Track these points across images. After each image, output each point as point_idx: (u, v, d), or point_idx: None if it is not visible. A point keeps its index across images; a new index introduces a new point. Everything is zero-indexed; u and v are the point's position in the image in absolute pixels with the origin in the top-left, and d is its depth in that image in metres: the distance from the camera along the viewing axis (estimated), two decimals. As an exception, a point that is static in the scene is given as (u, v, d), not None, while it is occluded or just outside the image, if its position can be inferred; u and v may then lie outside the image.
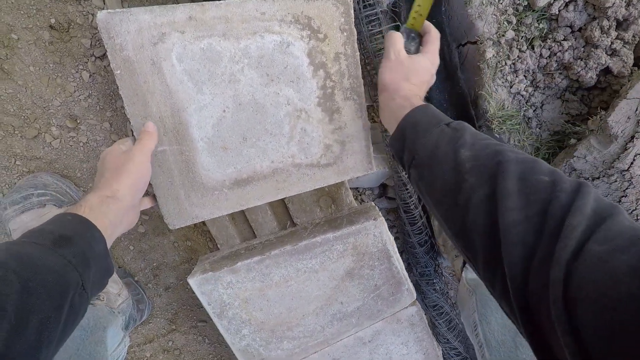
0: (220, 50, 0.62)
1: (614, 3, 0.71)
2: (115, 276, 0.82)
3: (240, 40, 0.62)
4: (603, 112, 0.75)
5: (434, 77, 0.67)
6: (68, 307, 0.43)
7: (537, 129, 0.87)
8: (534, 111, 0.85)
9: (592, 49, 0.75)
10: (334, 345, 0.85)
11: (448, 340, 1.12)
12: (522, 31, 0.77)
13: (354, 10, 0.67)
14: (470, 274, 0.82)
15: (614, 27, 0.74)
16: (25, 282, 0.40)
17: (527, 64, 0.79)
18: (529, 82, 0.82)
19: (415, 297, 0.86)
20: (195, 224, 0.90)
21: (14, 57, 0.69)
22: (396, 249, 0.79)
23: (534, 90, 0.83)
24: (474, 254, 0.43)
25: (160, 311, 0.98)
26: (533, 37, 0.78)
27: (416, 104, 0.58)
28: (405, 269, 0.83)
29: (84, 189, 0.79)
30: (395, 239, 1.04)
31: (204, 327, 1.03)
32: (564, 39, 0.77)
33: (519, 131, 0.85)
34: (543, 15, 0.76)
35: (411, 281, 0.84)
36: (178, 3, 0.61)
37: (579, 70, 0.77)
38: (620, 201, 0.81)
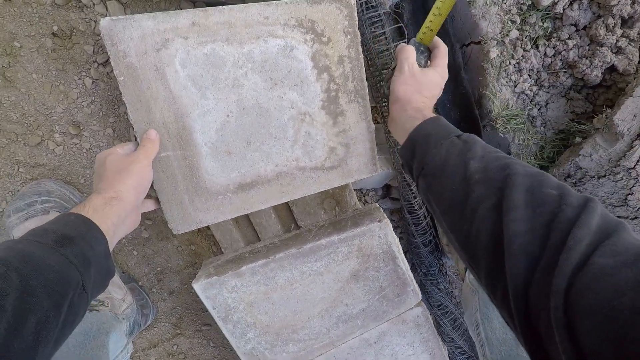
0: (223, 55, 0.62)
1: (619, 1, 0.70)
2: (119, 281, 0.82)
3: (243, 45, 0.62)
4: (609, 110, 0.75)
5: (442, 90, 0.68)
6: (67, 306, 0.43)
7: (542, 127, 0.86)
8: (538, 110, 0.85)
9: (597, 47, 0.75)
10: (339, 347, 0.85)
11: (453, 339, 1.12)
12: (526, 30, 0.77)
13: (357, 12, 0.67)
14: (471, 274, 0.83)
15: (619, 24, 0.74)
16: (26, 281, 0.40)
17: (531, 63, 0.79)
18: (533, 81, 0.82)
19: (421, 298, 0.85)
20: (199, 228, 0.90)
21: (16, 65, 0.68)
22: (401, 250, 0.79)
23: (539, 89, 0.83)
24: (477, 263, 0.43)
25: (165, 315, 0.98)
26: (537, 36, 0.78)
27: (428, 115, 0.59)
28: (410, 269, 0.83)
29: (88, 195, 0.79)
30: (400, 239, 1.04)
31: (208, 330, 1.03)
32: (569, 38, 0.77)
33: (524, 130, 0.85)
34: (547, 14, 0.76)
35: (416, 281, 0.84)
36: (181, 9, 0.61)
37: (584, 68, 0.76)
38: (626, 199, 0.81)
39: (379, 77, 0.78)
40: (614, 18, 0.73)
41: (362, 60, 0.67)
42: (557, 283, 0.32)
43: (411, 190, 0.90)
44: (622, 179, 0.78)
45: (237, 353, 0.80)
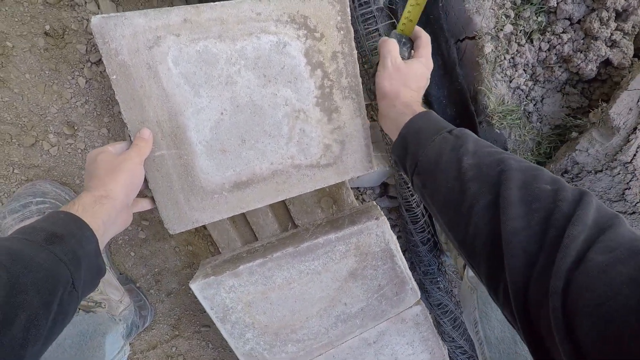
0: (216, 53, 0.61)
1: (613, -6, 0.70)
2: (116, 283, 0.82)
3: (236, 41, 0.62)
4: (604, 105, 0.75)
5: (429, 81, 0.67)
6: (57, 304, 0.43)
7: (538, 123, 0.86)
8: (534, 105, 0.84)
9: (592, 41, 0.75)
10: (338, 347, 0.84)
11: (453, 338, 1.12)
12: (521, 25, 0.77)
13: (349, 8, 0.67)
14: (471, 272, 0.82)
15: (614, 18, 0.74)
16: (15, 278, 0.40)
17: (526, 57, 0.79)
18: (528, 76, 0.81)
19: (420, 296, 0.85)
20: (196, 228, 0.90)
21: (9, 65, 0.68)
22: (399, 248, 0.78)
23: (534, 84, 0.82)
24: (477, 262, 0.43)
25: (163, 317, 0.98)
26: (532, 31, 0.77)
27: (417, 110, 0.58)
28: (409, 268, 0.82)
29: (83, 195, 0.79)
30: (398, 237, 1.03)
31: (207, 332, 1.02)
32: (563, 32, 0.76)
33: (520, 126, 0.84)
34: (541, 8, 0.76)
35: (415, 280, 0.83)
36: (173, 6, 0.61)
37: (578, 62, 0.76)
38: (624, 194, 0.80)
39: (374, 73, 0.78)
40: (608, 11, 0.73)
41: (356, 55, 0.67)
42: (555, 283, 0.32)
43: (408, 188, 0.89)
44: (619, 173, 0.78)
45: (235, 354, 0.79)
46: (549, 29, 0.77)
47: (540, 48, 0.78)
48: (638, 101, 0.71)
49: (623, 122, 0.72)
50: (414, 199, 0.90)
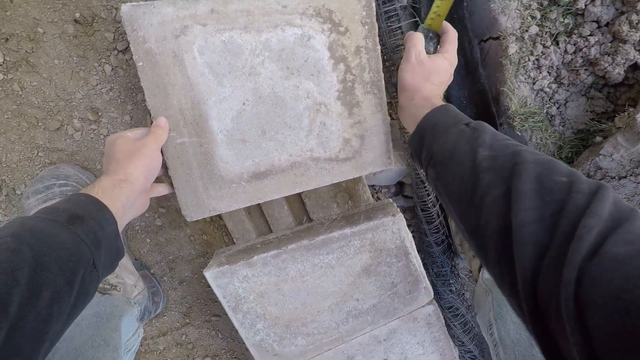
0: (241, 43, 0.62)
1: (644, -4, 0.69)
2: (131, 267, 0.83)
3: (261, 33, 0.62)
4: (631, 109, 0.73)
5: (452, 77, 0.67)
6: (79, 283, 0.44)
7: (561, 127, 0.85)
8: (557, 108, 0.83)
9: (620, 44, 0.73)
10: (348, 342, 0.84)
11: (463, 342, 1.10)
12: (547, 26, 0.76)
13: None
14: (487, 273, 0.81)
15: (644, 21, 0.72)
16: (39, 256, 0.40)
17: (551, 59, 0.78)
18: (552, 78, 0.80)
19: (433, 296, 0.84)
20: (211, 218, 0.91)
21: (39, 51, 0.70)
22: (414, 246, 0.78)
23: (558, 87, 0.81)
24: (486, 253, 0.43)
25: (175, 304, 0.99)
26: (558, 33, 0.76)
27: (437, 104, 0.58)
28: (422, 267, 0.82)
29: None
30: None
31: (217, 321, 1.03)
32: (590, 34, 0.75)
33: (542, 129, 0.83)
34: (568, 10, 0.75)
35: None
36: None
37: (606, 66, 0.75)
38: (647, 202, 0.79)
39: (395, 71, 0.78)
40: (638, 14, 0.71)
41: (379, 51, 0.67)
42: (568, 273, 0.31)
43: (425, 187, 0.89)
44: (643, 180, 0.76)
45: (246, 344, 0.80)
46: (575, 31, 0.76)
47: (565, 50, 0.77)
48: (666, 107, 0.69)
49: (650, 127, 0.71)
50: (429, 199, 0.90)
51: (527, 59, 0.78)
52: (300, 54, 0.64)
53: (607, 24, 0.75)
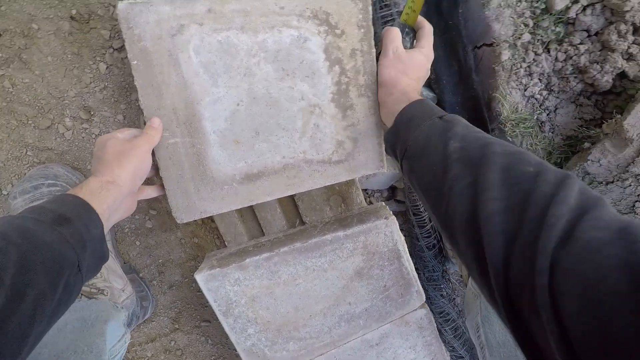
0: (237, 44, 0.62)
1: (632, 7, 0.71)
2: (120, 271, 0.82)
3: (257, 34, 0.62)
4: (618, 116, 0.75)
5: (429, 72, 0.67)
6: (63, 285, 0.43)
7: (550, 133, 0.86)
8: (547, 115, 0.85)
9: (609, 53, 0.75)
10: (340, 347, 0.84)
11: (454, 348, 1.10)
12: (539, 34, 0.77)
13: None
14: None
15: (631, 31, 0.74)
16: (24, 256, 0.40)
17: (542, 67, 0.79)
18: (543, 85, 0.82)
19: (425, 300, 0.84)
20: (202, 221, 0.90)
21: (32, 47, 0.69)
22: (406, 249, 0.78)
23: (548, 94, 0.83)
24: (457, 243, 0.43)
25: (164, 309, 0.97)
26: (549, 41, 0.78)
27: (413, 98, 0.59)
28: (415, 271, 0.82)
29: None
30: (404, 242, 1.03)
31: (207, 327, 1.01)
32: (581, 43, 0.77)
33: (532, 135, 0.84)
34: (560, 19, 0.76)
35: (420, 284, 0.83)
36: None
37: (594, 73, 0.76)
38: (634, 206, 0.80)
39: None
40: (626, 24, 0.73)
41: (374, 54, 0.68)
42: (540, 262, 0.31)
43: (417, 191, 0.89)
44: (630, 185, 0.78)
45: (237, 349, 0.79)
46: (566, 40, 0.77)
47: (556, 58, 0.79)
48: (653, 115, 0.71)
49: (637, 133, 0.72)
50: (421, 203, 0.90)
51: (519, 66, 0.79)
52: (296, 55, 0.64)
53: (596, 33, 0.77)
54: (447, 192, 0.44)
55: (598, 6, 0.74)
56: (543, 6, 0.76)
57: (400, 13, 0.79)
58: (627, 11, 0.71)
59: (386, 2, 0.75)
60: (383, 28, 0.76)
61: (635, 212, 0.80)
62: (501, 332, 0.69)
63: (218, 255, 0.80)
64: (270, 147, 0.68)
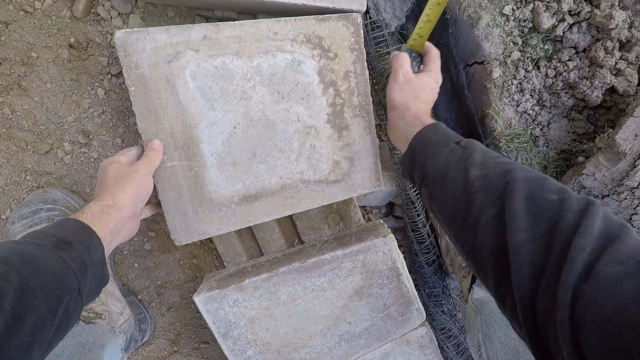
0: (232, 69, 0.63)
1: (617, 25, 0.72)
2: (118, 294, 0.81)
3: (252, 58, 0.64)
4: (610, 130, 0.76)
5: (437, 95, 0.69)
6: (63, 311, 0.43)
7: (544, 147, 0.87)
8: (540, 130, 0.86)
9: (597, 69, 0.76)
10: (341, 368, 0.83)
11: (458, 365, 1.09)
12: (528, 52, 0.79)
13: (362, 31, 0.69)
14: (476, 294, 0.81)
15: (617, 47, 0.76)
16: (25, 281, 0.40)
17: (533, 83, 0.81)
18: (535, 101, 0.83)
19: (425, 318, 0.84)
20: (201, 242, 0.90)
21: (32, 75, 0.70)
22: (405, 267, 0.78)
23: (541, 109, 0.84)
24: (485, 274, 0.43)
25: (163, 331, 0.96)
26: (538, 58, 0.80)
27: (427, 122, 0.59)
28: (414, 288, 0.81)
29: (93, 204, 0.79)
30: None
31: (206, 349, 1.00)
32: (569, 59, 0.79)
33: (527, 149, 0.85)
34: (548, 36, 0.78)
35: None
36: (194, 23, 0.63)
37: (584, 89, 0.78)
38: (630, 219, 0.80)
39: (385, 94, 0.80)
40: (612, 41, 0.75)
41: (368, 75, 0.69)
42: (562, 296, 0.32)
43: (415, 208, 0.90)
44: (626, 198, 0.78)
45: (235, 372, 0.78)
46: (555, 57, 0.79)
47: (546, 74, 0.80)
48: (644, 128, 0.72)
49: (629, 147, 0.73)
50: (420, 219, 0.90)
51: (510, 83, 0.81)
52: (290, 78, 0.66)
53: (584, 50, 0.79)
54: (474, 223, 0.44)
55: (584, 24, 0.76)
56: (530, 25, 0.78)
57: (390, 33, 0.81)
58: (612, 28, 0.73)
59: (378, 24, 0.77)
60: (376, 49, 0.78)
61: (632, 225, 0.80)
62: (502, 351, 0.68)
63: (217, 276, 0.79)
64: (267, 169, 0.68)
